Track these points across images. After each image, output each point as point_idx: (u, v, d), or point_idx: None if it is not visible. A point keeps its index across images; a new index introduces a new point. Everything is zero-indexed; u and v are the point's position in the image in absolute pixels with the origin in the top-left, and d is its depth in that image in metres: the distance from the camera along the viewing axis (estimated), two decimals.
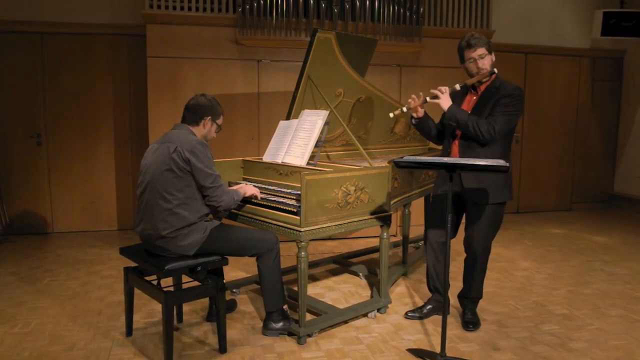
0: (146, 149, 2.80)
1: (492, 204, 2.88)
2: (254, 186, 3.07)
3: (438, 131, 3.13)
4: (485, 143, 2.82)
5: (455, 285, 3.38)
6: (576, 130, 6.72)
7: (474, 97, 2.95)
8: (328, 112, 3.22)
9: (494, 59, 2.90)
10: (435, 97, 2.87)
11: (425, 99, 2.91)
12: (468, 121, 2.79)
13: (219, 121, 2.83)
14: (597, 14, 6.23)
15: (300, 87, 3.35)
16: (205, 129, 2.77)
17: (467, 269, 3.07)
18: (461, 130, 2.86)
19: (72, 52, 5.15)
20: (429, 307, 3.20)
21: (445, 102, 2.84)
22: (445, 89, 2.87)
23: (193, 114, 2.75)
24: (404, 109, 2.95)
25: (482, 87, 2.93)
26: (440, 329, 2.54)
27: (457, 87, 2.88)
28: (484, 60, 2.85)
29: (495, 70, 2.87)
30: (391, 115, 2.98)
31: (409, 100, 2.96)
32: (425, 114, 3.07)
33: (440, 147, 3.28)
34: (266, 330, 2.89)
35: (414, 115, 3.03)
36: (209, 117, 2.76)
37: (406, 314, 3.21)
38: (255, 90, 4.89)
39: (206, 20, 4.66)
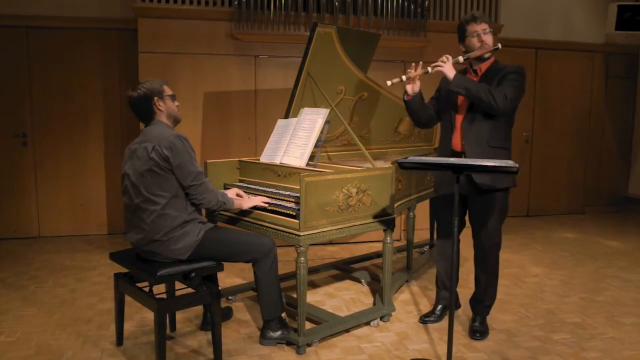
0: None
1: (499, 191, 2.91)
2: (255, 192, 3.05)
3: (429, 114, 3.12)
4: (494, 115, 2.83)
5: (463, 292, 3.38)
6: (589, 130, 6.72)
7: (475, 79, 2.96)
8: (328, 110, 3.23)
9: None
10: (438, 66, 2.83)
11: (427, 69, 2.87)
12: (480, 88, 2.77)
13: (167, 92, 2.73)
14: (611, 8, 6.23)
15: (300, 84, 3.35)
16: (163, 110, 2.71)
17: (478, 269, 3.10)
18: (470, 98, 2.83)
19: (59, 48, 5.16)
20: (439, 307, 3.28)
21: (450, 70, 2.82)
22: (449, 58, 2.85)
23: (142, 110, 2.70)
24: (404, 78, 2.89)
25: (483, 68, 2.96)
26: (446, 338, 2.55)
27: (460, 59, 2.90)
28: (487, 36, 2.90)
29: (499, 45, 2.90)
30: (389, 83, 2.90)
31: (408, 70, 2.92)
32: (420, 92, 3.04)
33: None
34: (264, 339, 2.90)
35: (409, 91, 2.98)
36: (155, 97, 2.68)
37: (421, 318, 3.26)
38: (252, 87, 4.89)
39: (201, 14, 4.67)
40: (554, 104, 6.51)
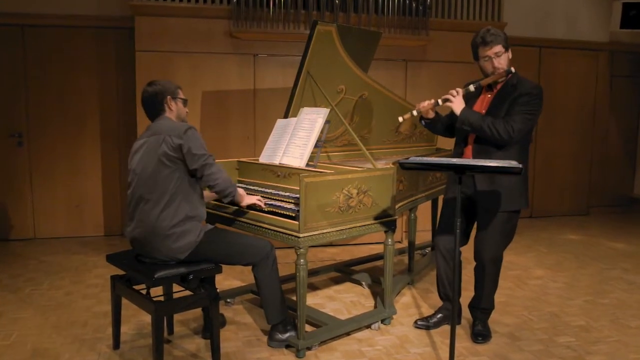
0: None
1: (504, 212, 2.89)
2: (254, 194, 3.05)
3: (447, 125, 3.16)
4: (502, 145, 2.83)
5: (466, 295, 3.38)
6: (593, 130, 6.72)
7: (489, 96, 2.95)
8: (329, 110, 3.23)
9: (510, 56, 2.89)
10: (447, 100, 2.86)
11: (437, 102, 2.91)
12: (482, 123, 2.78)
13: (180, 96, 2.81)
14: (616, 5, 6.24)
15: (299, 83, 3.36)
16: (173, 110, 2.77)
17: (477, 278, 3.09)
18: (476, 133, 2.86)
19: (55, 46, 5.16)
20: (439, 315, 3.24)
21: (458, 106, 2.83)
22: (459, 91, 2.86)
23: (152, 105, 2.75)
24: (414, 113, 2.96)
25: (499, 85, 2.93)
26: (448, 341, 2.55)
27: (472, 88, 2.87)
28: (500, 59, 2.83)
29: (512, 69, 2.86)
30: (400, 119, 3.00)
31: (419, 105, 2.98)
32: (437, 113, 3.10)
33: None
34: (272, 341, 2.91)
35: (425, 116, 3.08)
36: (168, 96, 2.74)
37: (415, 322, 3.24)
38: (251, 86, 4.90)
39: (199, 11, 4.68)
40: (558, 103, 6.50)
